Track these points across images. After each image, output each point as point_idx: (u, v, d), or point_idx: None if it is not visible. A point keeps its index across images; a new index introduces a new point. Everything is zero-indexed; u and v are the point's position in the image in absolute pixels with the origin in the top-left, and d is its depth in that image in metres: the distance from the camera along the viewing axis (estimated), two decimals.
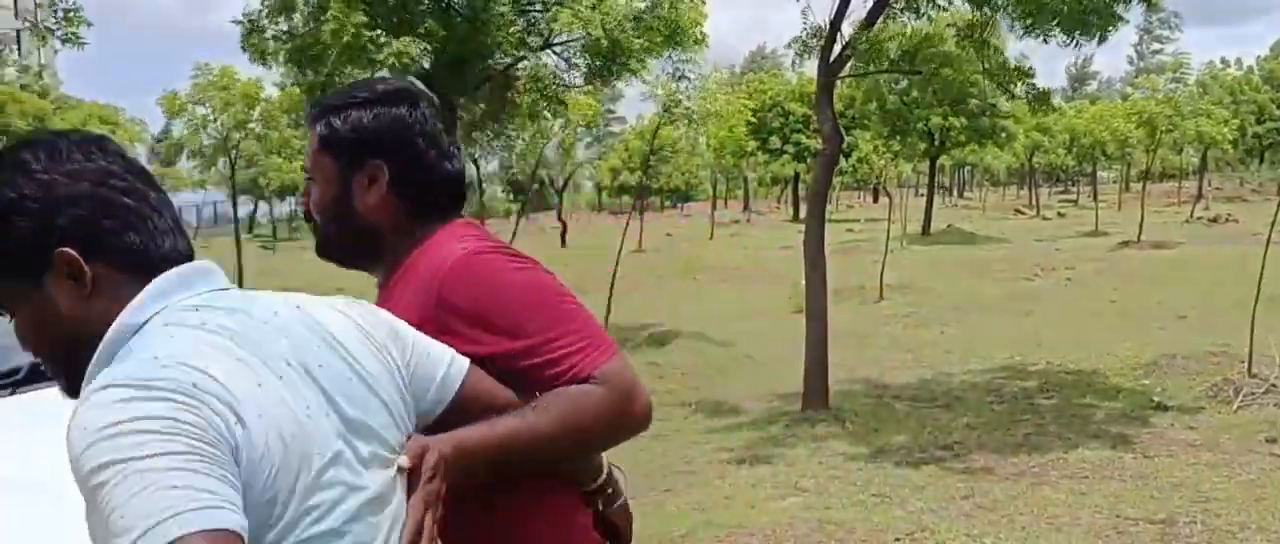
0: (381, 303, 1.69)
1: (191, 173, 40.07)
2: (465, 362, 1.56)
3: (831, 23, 8.10)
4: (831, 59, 8.10)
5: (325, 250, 1.87)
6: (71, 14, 12.94)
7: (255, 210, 52.18)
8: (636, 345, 11.59)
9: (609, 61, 12.05)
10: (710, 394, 9.20)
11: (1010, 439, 6.92)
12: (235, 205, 24.34)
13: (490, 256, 1.71)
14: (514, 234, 22.86)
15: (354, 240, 1.81)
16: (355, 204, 1.77)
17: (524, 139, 20.94)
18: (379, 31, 10.93)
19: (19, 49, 19.62)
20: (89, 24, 12.85)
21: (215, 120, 20.15)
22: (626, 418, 1.68)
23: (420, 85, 1.92)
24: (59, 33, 13.34)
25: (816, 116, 8.77)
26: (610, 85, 13.66)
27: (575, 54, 12.86)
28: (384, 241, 1.78)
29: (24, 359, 2.83)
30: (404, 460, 1.41)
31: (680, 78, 13.03)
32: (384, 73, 12.61)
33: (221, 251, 28.44)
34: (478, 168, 32.56)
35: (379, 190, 1.75)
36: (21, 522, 2.03)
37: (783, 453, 6.81)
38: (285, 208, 50.74)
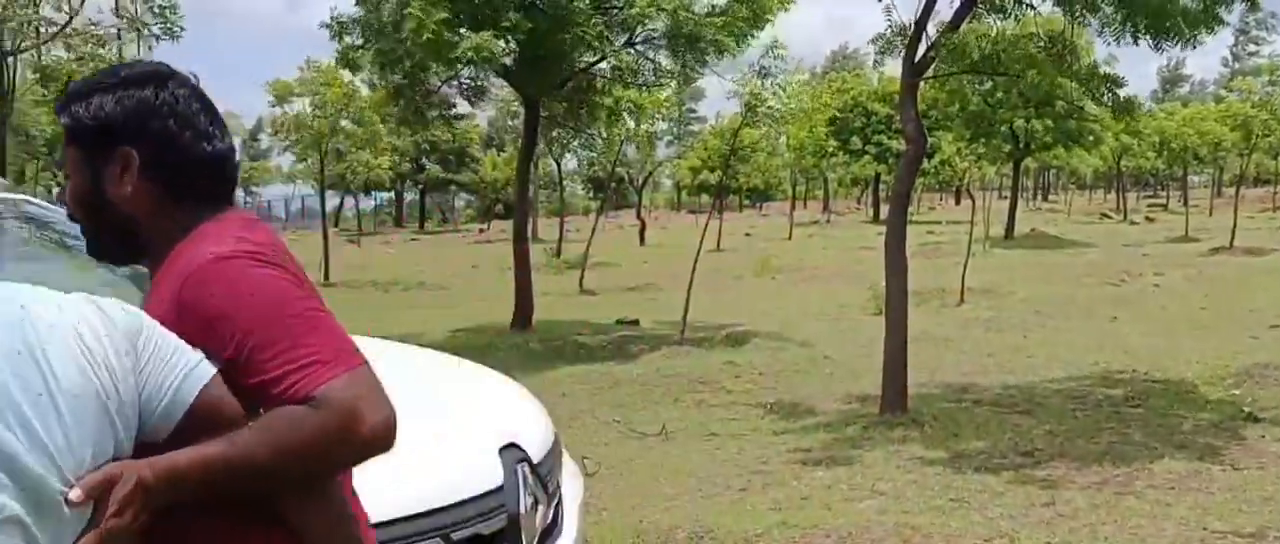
0: (147, 299, 1.63)
1: (281, 167, 40.93)
2: (207, 372, 1.48)
3: (917, 22, 8.03)
4: (916, 59, 8.03)
5: (92, 248, 1.78)
6: (167, 10, 13.39)
7: (341, 205, 53.23)
8: (713, 345, 11.60)
9: (690, 48, 12.04)
10: (787, 395, 9.18)
11: (1093, 447, 6.80)
12: (323, 200, 24.84)
13: (235, 262, 1.58)
14: (593, 231, 23.02)
15: (113, 233, 1.72)
16: (108, 194, 1.68)
17: (603, 137, 21.06)
18: (461, 28, 11.06)
19: (119, 48, 20.21)
20: (183, 27, 13.32)
21: (312, 116, 20.64)
22: (348, 441, 1.51)
23: (171, 68, 1.78)
24: (156, 28, 13.80)
25: (900, 117, 8.70)
26: (691, 82, 13.65)
27: (657, 51, 12.89)
28: (142, 232, 1.69)
29: None
30: (74, 494, 1.27)
31: (764, 74, 12.98)
32: (466, 72, 12.82)
33: (309, 245, 29.05)
34: (558, 165, 32.82)
35: (131, 178, 1.66)
36: None
37: (859, 455, 6.78)
38: (370, 203, 51.77)
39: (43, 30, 15.12)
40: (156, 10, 14.99)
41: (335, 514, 1.66)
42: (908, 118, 8.04)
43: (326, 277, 22.77)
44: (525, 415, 3.20)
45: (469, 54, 10.50)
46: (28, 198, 4.03)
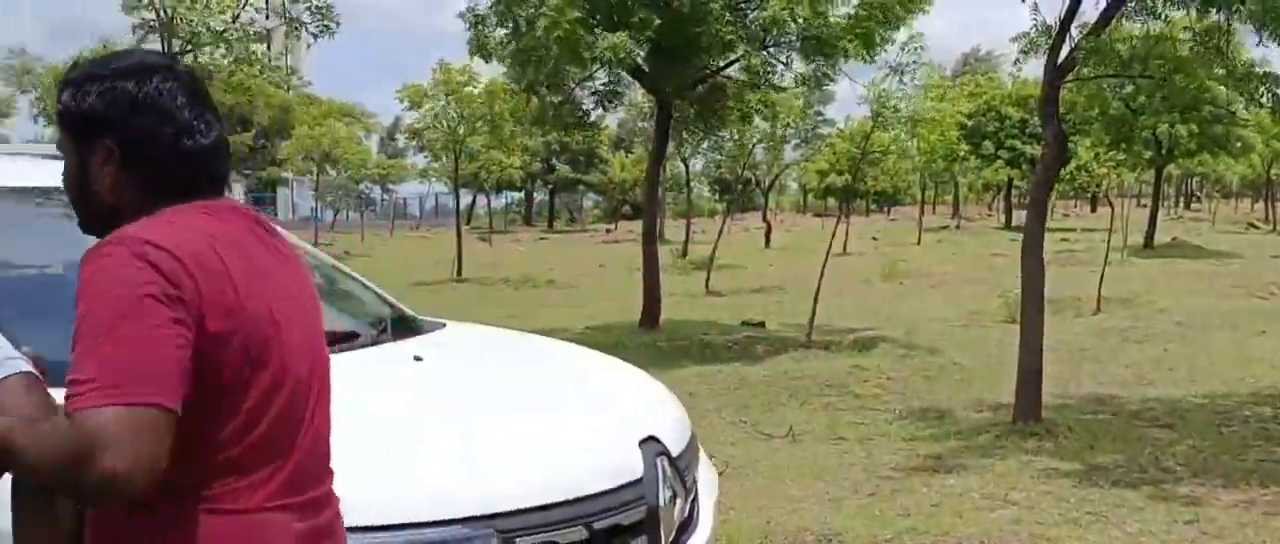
0: None
1: (417, 165, 41.92)
2: (9, 371, 1.54)
3: (1061, 22, 7.86)
4: (1059, 61, 7.86)
5: (83, 229, 1.78)
6: (323, 9, 13.94)
7: (473, 203, 54.33)
8: (841, 348, 11.54)
9: (822, 52, 11.99)
10: (916, 400, 9.08)
11: (1240, 465, 6.56)
12: (457, 199, 25.42)
13: (102, 255, 1.56)
14: (720, 233, 23.06)
15: (98, 221, 1.72)
16: (92, 184, 1.70)
17: (733, 139, 21.07)
18: (596, 28, 11.19)
19: (269, 47, 21.12)
20: (338, 23, 13.82)
21: (447, 115, 21.15)
22: (75, 472, 1.42)
23: (164, 58, 1.80)
24: (314, 27, 14.39)
25: (1040, 121, 8.52)
26: (823, 85, 13.56)
27: (789, 54, 12.87)
28: (123, 221, 1.65)
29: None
30: None
31: (899, 71, 12.81)
32: (600, 74, 12.99)
33: (443, 243, 29.79)
34: (686, 167, 32.92)
35: (112, 170, 1.68)
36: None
37: (991, 464, 6.68)
38: (501, 201, 52.73)
39: (205, 31, 15.91)
40: (314, 9, 15.58)
41: (46, 535, 1.67)
42: (1049, 121, 7.87)
43: (459, 273, 23.32)
44: (664, 409, 3.27)
45: (606, 53, 10.61)
46: None
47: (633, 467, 2.73)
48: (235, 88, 25.56)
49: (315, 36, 15.44)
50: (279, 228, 1.99)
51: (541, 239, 43.34)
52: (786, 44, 12.61)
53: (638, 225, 48.47)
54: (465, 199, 49.53)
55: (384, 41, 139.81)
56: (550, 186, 59.27)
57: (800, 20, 11.47)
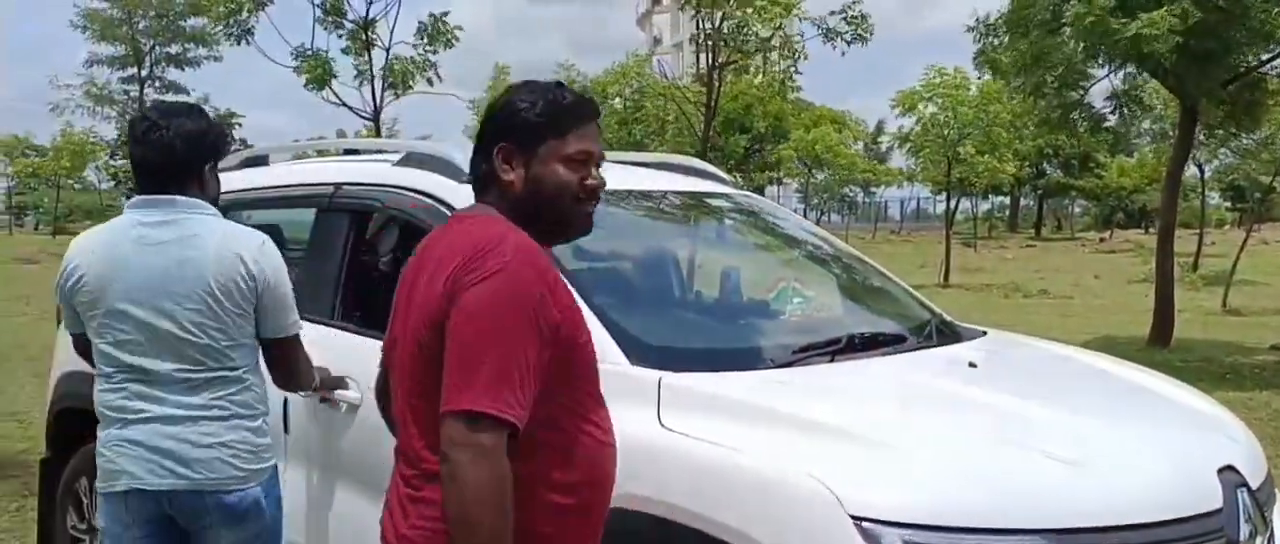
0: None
1: (901, 169, 41.83)
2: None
3: None
4: None
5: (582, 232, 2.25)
6: (857, 19, 14.50)
7: (956, 207, 53.34)
8: None
9: None
10: None
11: None
12: (949, 205, 25.15)
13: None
14: (1242, 245, 20.84)
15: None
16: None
17: (1267, 142, 18.98)
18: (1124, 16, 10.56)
19: (764, 59, 22.11)
20: (872, 34, 14.31)
21: (941, 121, 21.01)
22: None
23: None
24: (848, 36, 15.01)
25: None
26: None
27: None
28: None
29: (844, 332, 3.32)
30: None
31: None
32: (1120, 74, 12.29)
33: (924, 247, 29.56)
34: (1201, 171, 30.11)
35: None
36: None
37: None
38: (985, 206, 51.23)
39: (753, 38, 17.16)
40: (850, 18, 16.19)
41: None
42: None
43: (946, 279, 23.03)
44: (1238, 438, 3.07)
45: (1145, 31, 9.87)
46: (748, 194, 4.66)
47: (1211, 496, 2.58)
48: (736, 97, 27.06)
49: (849, 45, 16.01)
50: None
51: (1028, 245, 41.54)
52: None
53: (1134, 234, 45.09)
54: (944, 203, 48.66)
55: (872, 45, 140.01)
56: (1039, 191, 56.60)
57: None
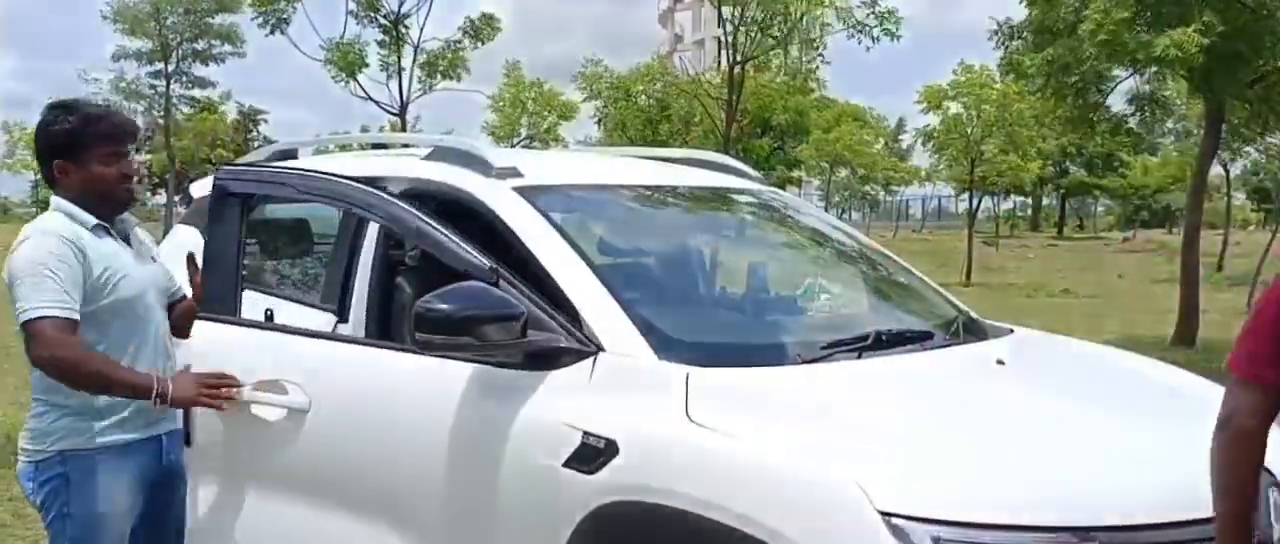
0: None
1: (922, 168, 41.63)
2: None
3: None
4: None
5: None
6: (886, 16, 14.43)
7: (977, 207, 53.07)
8: None
9: None
10: None
11: None
12: (971, 204, 25.06)
13: None
14: (1269, 245, 20.65)
15: None
16: None
17: None
18: (1143, 31, 10.54)
19: (785, 53, 22.07)
20: (901, 33, 14.26)
21: (966, 119, 20.93)
22: None
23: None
24: (877, 31, 14.99)
25: None
26: None
27: None
28: None
29: (871, 329, 3.31)
30: None
31: None
32: (1144, 76, 12.20)
33: (945, 246, 29.43)
34: (1227, 172, 29.94)
35: None
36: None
37: None
38: (1007, 205, 50.99)
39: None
40: (876, 16, 16.15)
41: None
42: None
43: (968, 278, 22.92)
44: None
45: (1169, 51, 9.87)
46: (774, 190, 4.65)
47: None
48: (756, 92, 26.96)
49: (876, 41, 15.96)
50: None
51: (1050, 245, 41.29)
52: None
53: (1158, 234, 44.75)
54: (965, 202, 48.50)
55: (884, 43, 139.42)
56: (1062, 191, 56.29)
57: None
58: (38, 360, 2.85)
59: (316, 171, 3.66)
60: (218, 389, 3.18)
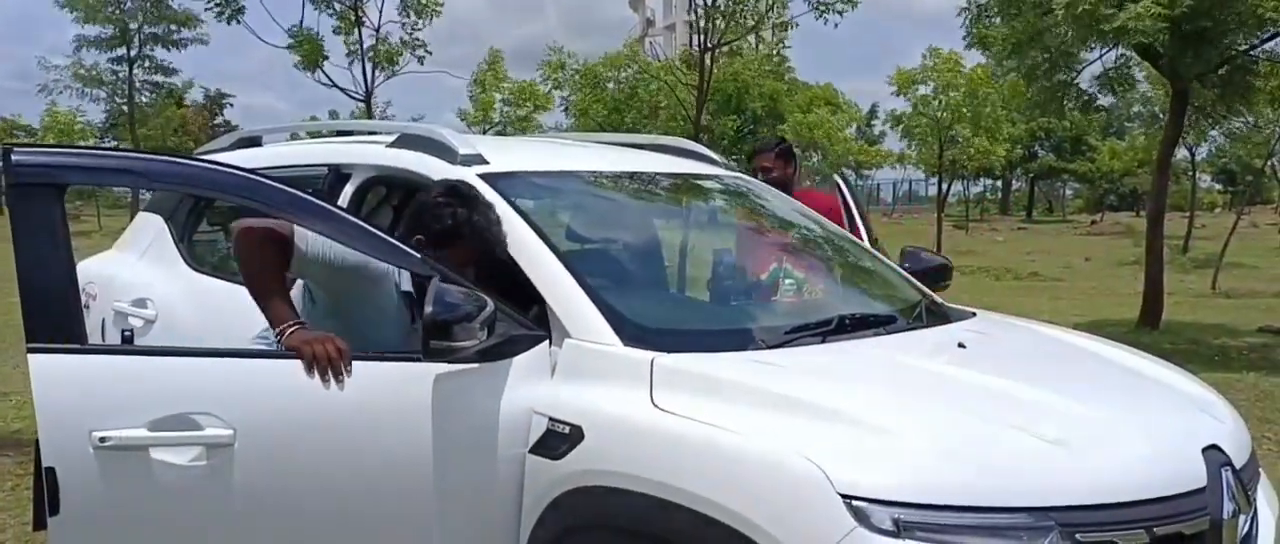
0: None
1: (896, 151, 41.75)
2: None
3: None
4: None
5: None
6: None
7: (947, 191, 53.31)
8: None
9: None
10: None
11: None
12: (940, 187, 25.21)
13: None
14: (1232, 228, 20.91)
15: None
16: None
17: (1254, 125, 19.02)
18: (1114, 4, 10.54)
19: (757, 36, 22.08)
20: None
21: (936, 101, 21.04)
22: None
23: None
24: (837, 4, 15.17)
25: None
26: None
27: None
28: None
29: (835, 313, 3.35)
30: None
31: None
32: (1111, 57, 12.29)
33: (915, 230, 29.58)
34: (1192, 154, 30.22)
35: None
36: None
37: None
38: (976, 188, 51.29)
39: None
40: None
41: None
42: None
43: None
44: (1223, 418, 3.08)
45: (1130, 23, 9.89)
46: (738, 175, 4.65)
47: (1196, 474, 2.61)
48: (731, 77, 26.97)
49: (841, 15, 16.07)
50: None
51: (1020, 229, 41.63)
52: None
53: (1124, 217, 45.19)
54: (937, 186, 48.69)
55: (860, 25, 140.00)
56: (1031, 174, 56.69)
57: None
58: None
59: (130, 155, 3.42)
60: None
